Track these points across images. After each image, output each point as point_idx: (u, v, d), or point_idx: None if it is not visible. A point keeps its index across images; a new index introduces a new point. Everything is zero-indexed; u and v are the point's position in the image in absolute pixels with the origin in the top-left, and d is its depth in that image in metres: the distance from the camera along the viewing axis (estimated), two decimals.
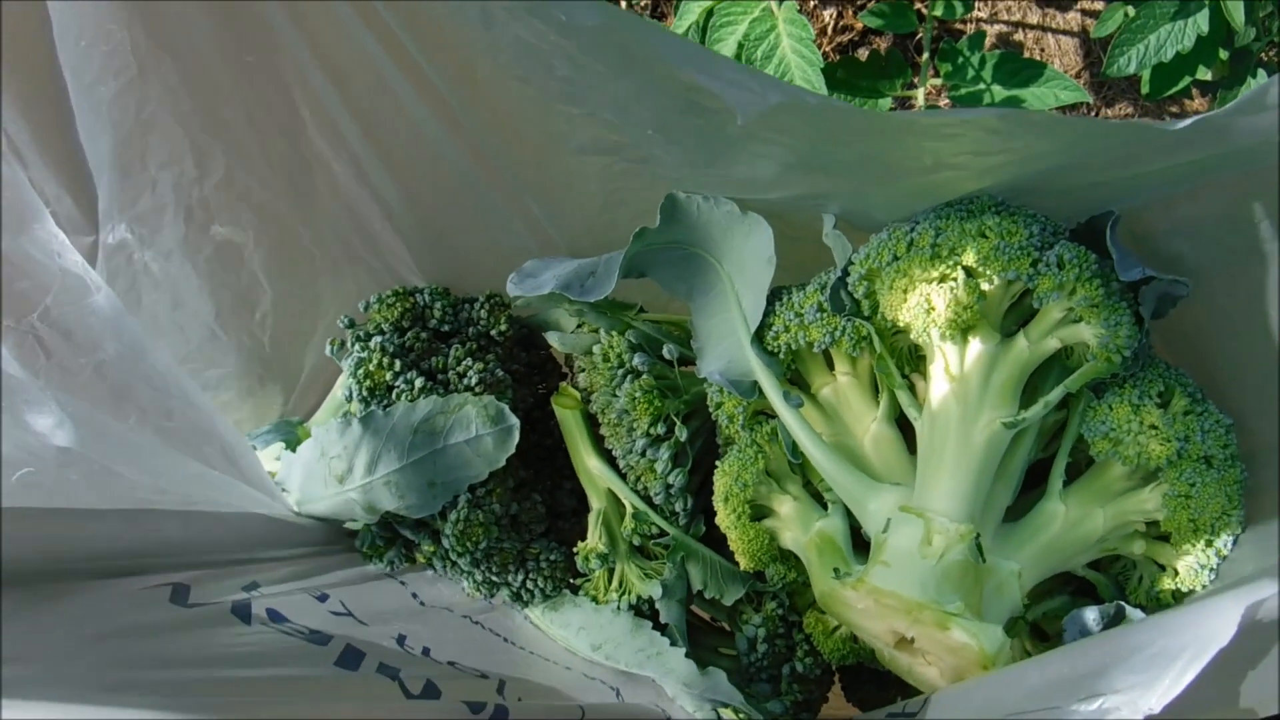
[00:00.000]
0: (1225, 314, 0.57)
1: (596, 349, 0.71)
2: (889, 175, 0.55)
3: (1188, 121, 0.44)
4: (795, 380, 0.65)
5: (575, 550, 0.72)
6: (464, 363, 0.71)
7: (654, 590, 0.69)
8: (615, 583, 0.72)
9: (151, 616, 0.47)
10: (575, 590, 0.74)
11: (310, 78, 0.62)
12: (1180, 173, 0.52)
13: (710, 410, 0.69)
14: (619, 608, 0.71)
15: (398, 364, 0.69)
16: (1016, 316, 0.58)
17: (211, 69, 0.62)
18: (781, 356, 0.63)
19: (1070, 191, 0.56)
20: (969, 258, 0.55)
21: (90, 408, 0.50)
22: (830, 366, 0.65)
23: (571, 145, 0.60)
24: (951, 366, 0.57)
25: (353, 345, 0.72)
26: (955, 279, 0.55)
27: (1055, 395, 0.56)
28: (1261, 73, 0.78)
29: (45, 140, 0.63)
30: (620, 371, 0.69)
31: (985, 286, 0.55)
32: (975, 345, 0.57)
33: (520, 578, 0.71)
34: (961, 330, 0.56)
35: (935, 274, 0.55)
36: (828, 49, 1.19)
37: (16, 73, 0.60)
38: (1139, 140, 0.47)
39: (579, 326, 0.74)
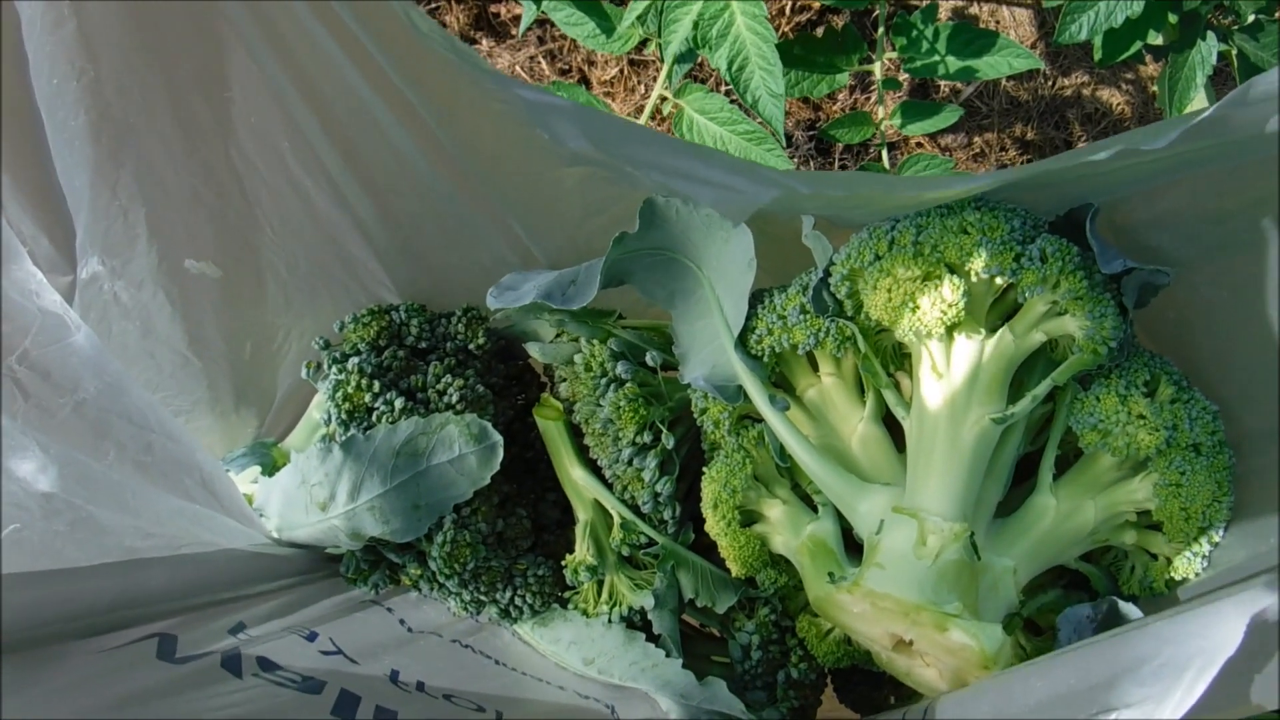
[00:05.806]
0: (1208, 303, 0.57)
1: (578, 358, 0.70)
2: (872, 204, 0.55)
3: (1174, 134, 0.43)
4: (780, 383, 0.64)
5: (563, 563, 0.71)
6: (443, 380, 0.70)
7: (645, 600, 0.68)
8: (605, 595, 0.71)
9: (140, 680, 0.46)
10: (564, 604, 0.73)
11: (290, 107, 0.61)
12: (1162, 166, 0.51)
13: (695, 416, 0.68)
14: (610, 620, 0.70)
15: (376, 385, 0.68)
16: (1000, 311, 0.57)
17: (189, 103, 0.61)
18: (765, 360, 0.62)
19: (1049, 185, 0.55)
20: (951, 254, 0.54)
21: (69, 449, 0.48)
22: (815, 368, 0.64)
23: (551, 159, 0.59)
24: (938, 364, 0.57)
25: (329, 367, 0.71)
26: (938, 277, 0.55)
27: (1043, 389, 0.56)
28: (1210, 35, 0.77)
29: (21, 181, 0.62)
30: (603, 380, 0.68)
31: (968, 283, 0.55)
32: (960, 342, 0.57)
33: (508, 595, 0.70)
34: (946, 328, 0.55)
35: (918, 272, 0.55)
36: (786, 30, 1.19)
37: None
38: (1129, 153, 0.47)
39: (559, 336, 0.73)
